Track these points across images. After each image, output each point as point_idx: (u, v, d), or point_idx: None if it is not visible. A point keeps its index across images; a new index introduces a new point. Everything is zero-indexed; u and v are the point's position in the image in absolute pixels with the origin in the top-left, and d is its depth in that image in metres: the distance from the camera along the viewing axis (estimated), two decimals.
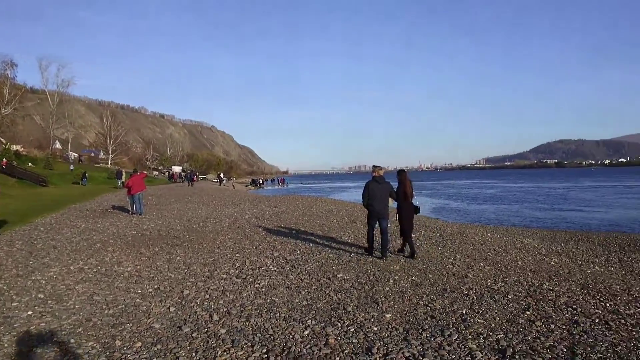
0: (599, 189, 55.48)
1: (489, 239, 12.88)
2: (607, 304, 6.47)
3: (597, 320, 5.69)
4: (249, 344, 4.91)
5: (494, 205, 35.53)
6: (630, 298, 6.88)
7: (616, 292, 7.24)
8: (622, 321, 5.71)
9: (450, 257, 9.72)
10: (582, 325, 5.50)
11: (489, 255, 10.22)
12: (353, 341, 4.93)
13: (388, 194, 9.31)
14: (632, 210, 28.29)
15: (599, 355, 4.60)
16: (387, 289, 7.04)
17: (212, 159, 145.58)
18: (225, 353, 4.69)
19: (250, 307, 6.22)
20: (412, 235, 9.99)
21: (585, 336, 5.13)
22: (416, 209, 9.66)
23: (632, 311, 6.17)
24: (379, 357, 4.51)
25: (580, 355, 4.56)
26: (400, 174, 9.55)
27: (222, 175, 76.21)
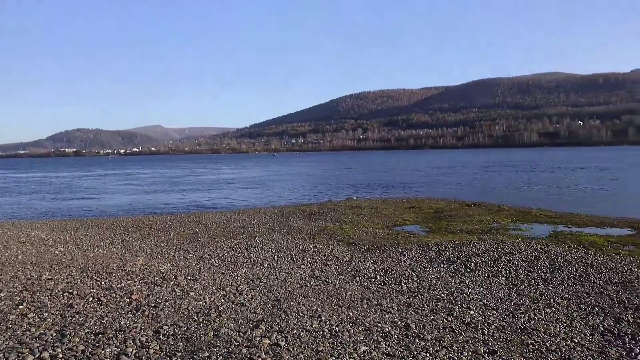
0: (102, 178, 59.12)
1: None
2: (103, 282, 7.05)
3: (90, 299, 6.12)
4: None
5: (1, 198, 32.02)
6: (124, 273, 7.74)
7: (112, 269, 7.97)
8: (113, 295, 6.37)
9: None
10: (76, 307, 5.79)
11: None
12: None
13: None
14: (121, 195, 31.56)
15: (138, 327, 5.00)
16: None
17: None
18: None
19: None
20: None
21: (77, 316, 5.45)
22: None
23: (123, 284, 6.96)
24: None
25: (69, 335, 4.81)
26: None
27: None
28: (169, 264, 9.05)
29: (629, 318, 6.15)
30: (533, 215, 16.53)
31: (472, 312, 6.30)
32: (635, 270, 8.72)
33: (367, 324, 5.49)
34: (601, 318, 6.17)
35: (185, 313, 5.69)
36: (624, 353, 4.99)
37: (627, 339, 5.39)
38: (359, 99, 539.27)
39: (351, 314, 5.96)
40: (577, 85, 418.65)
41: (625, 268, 8.88)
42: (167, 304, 6.05)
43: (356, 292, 7.26)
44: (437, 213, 17.55)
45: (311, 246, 11.51)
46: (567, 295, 7.25)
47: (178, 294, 6.60)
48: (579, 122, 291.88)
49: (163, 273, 7.89)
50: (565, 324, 5.90)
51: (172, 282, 7.23)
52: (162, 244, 12.07)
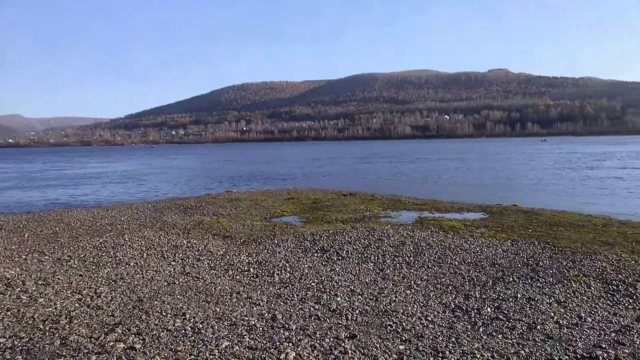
0: None
1: None
2: None
3: None
4: None
5: None
6: None
7: None
8: None
9: None
10: None
11: None
12: None
13: None
14: None
15: None
16: None
17: None
18: None
19: None
20: None
21: None
22: None
23: None
24: None
25: None
26: None
27: None
28: (17, 269, 8.12)
29: (476, 294, 6.77)
30: (402, 203, 17.58)
31: (338, 299, 6.49)
32: (485, 250, 9.65)
33: (234, 319, 5.39)
34: (453, 296, 6.72)
35: (30, 322, 5.13)
36: (469, 327, 5.46)
37: (473, 314, 5.91)
38: (241, 91, 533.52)
39: (218, 309, 5.81)
40: (443, 82, 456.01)
41: (477, 249, 9.78)
42: (9, 313, 5.41)
43: (226, 287, 7.12)
44: (314, 203, 17.92)
45: (185, 241, 11.09)
46: (426, 277, 7.79)
47: (24, 301, 5.94)
48: (446, 116, 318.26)
49: (9, 279, 7.06)
50: (422, 304, 6.32)
51: (18, 289, 6.50)
52: (13, 247, 10.81)
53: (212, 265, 8.79)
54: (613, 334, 5.25)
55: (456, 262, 8.75)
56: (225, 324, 5.20)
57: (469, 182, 29.22)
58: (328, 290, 7.00)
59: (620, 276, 7.67)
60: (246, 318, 5.43)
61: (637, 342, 5.01)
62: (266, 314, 5.63)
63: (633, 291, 6.95)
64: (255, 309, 5.90)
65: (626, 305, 6.38)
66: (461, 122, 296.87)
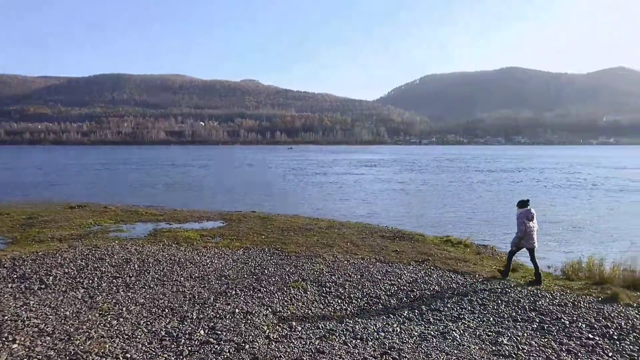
0: None
1: None
2: None
3: None
4: None
5: None
6: None
7: None
8: None
9: None
10: None
11: None
12: None
13: None
14: None
15: None
16: None
17: None
18: None
19: None
20: None
21: None
22: None
23: None
24: None
25: None
26: None
27: None
28: None
29: (194, 315, 6.22)
30: (139, 214, 16.21)
31: (15, 346, 5.11)
32: (215, 262, 9.29)
33: None
34: (167, 320, 6.02)
35: None
36: (173, 359, 4.84)
37: (183, 340, 5.32)
38: None
39: None
40: (198, 89, 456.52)
41: (208, 261, 9.36)
42: None
43: None
44: (30, 219, 15.08)
45: None
46: (143, 300, 6.92)
47: None
48: (201, 122, 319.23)
49: None
50: (127, 337, 5.44)
51: None
52: None
53: None
54: (317, 342, 5.31)
55: (182, 278, 8.13)
56: None
57: (215, 188, 29.24)
58: (7, 333, 5.51)
59: (333, 277, 8.17)
60: None
61: (336, 347, 5.14)
62: None
63: (342, 291, 7.41)
64: None
65: (335, 306, 6.70)
66: (216, 129, 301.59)
